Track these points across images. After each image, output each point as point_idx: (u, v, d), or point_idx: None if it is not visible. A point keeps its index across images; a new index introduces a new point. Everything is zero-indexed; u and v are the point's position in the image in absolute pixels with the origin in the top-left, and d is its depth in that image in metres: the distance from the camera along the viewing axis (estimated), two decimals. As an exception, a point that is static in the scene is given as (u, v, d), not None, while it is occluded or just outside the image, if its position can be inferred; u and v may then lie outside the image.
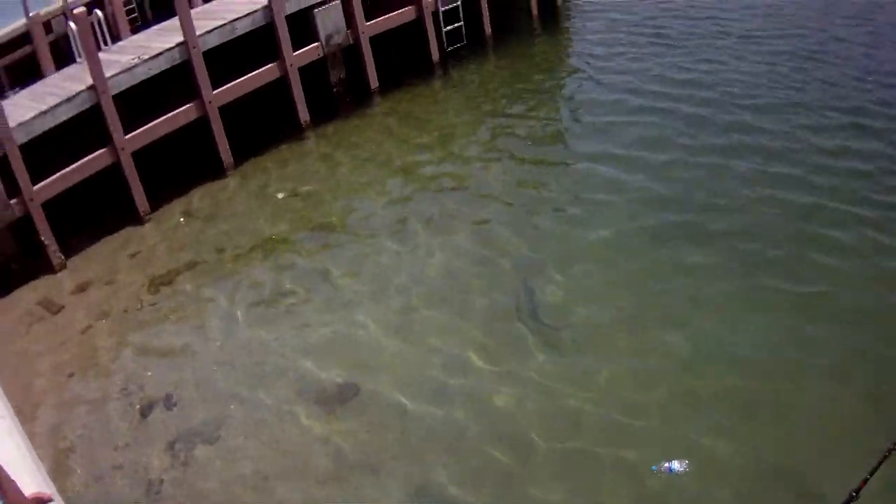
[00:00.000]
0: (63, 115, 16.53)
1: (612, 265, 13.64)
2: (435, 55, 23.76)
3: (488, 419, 10.88)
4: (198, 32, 18.37)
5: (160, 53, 17.96)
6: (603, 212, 15.27)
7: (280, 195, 17.63)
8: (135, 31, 24.28)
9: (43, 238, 16.11)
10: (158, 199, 17.84)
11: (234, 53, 19.13)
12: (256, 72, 19.39)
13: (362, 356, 12.36)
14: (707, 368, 11.22)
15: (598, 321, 12.35)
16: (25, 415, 12.07)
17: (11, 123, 15.66)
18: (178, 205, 17.88)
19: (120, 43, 21.06)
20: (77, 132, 16.75)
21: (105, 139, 17.00)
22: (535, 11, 27.21)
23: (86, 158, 16.81)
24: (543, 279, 13.47)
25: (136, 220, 17.36)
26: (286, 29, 19.77)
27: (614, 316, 12.40)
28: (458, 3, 24.05)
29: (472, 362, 11.89)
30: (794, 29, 23.92)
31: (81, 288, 15.55)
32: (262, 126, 20.19)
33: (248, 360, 12.71)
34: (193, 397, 12.16)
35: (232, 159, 19.02)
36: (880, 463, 6.07)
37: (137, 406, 12.17)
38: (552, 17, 27.66)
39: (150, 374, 12.81)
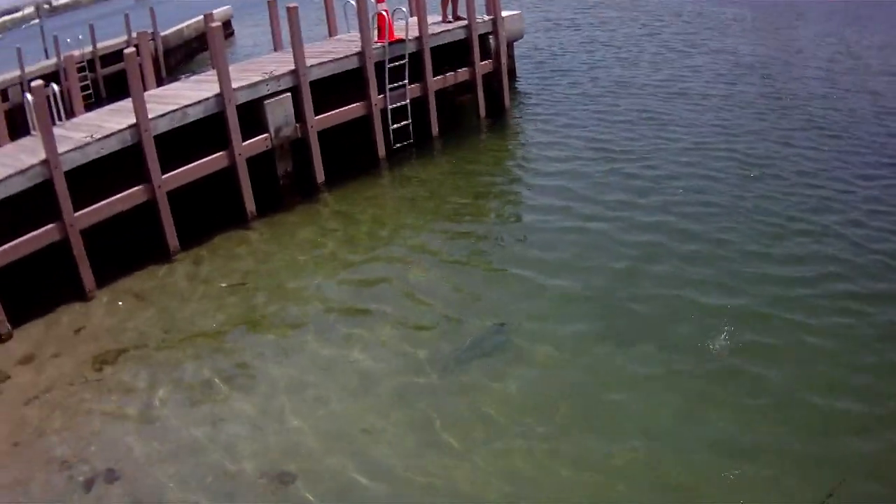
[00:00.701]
0: (15, 188, 16.67)
1: (553, 371, 13.94)
2: (381, 152, 24.27)
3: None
4: (150, 116, 18.58)
5: (112, 133, 18.18)
6: (541, 320, 15.55)
7: (223, 284, 17.79)
8: (88, 108, 24.52)
9: (-11, 308, 16.21)
10: (104, 277, 17.89)
11: (185, 139, 19.37)
12: (206, 159, 19.66)
13: (299, 449, 12.51)
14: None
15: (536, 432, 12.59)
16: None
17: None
18: (123, 285, 17.93)
19: (74, 119, 21.30)
20: (27, 205, 16.86)
21: (55, 215, 17.10)
22: (482, 112, 27.88)
23: (34, 233, 16.88)
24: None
25: (82, 296, 17.40)
26: (236, 118, 20.12)
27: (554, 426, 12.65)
28: (407, 101, 24.71)
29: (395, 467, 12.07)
30: (744, 135, 24.80)
31: (28, 359, 15.59)
32: (209, 213, 20.35)
33: (188, 441, 12.81)
34: (135, 473, 12.24)
35: (178, 244, 19.15)
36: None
37: (81, 479, 12.24)
38: (500, 118, 28.29)
39: (93, 448, 12.87)
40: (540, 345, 14.67)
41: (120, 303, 17.33)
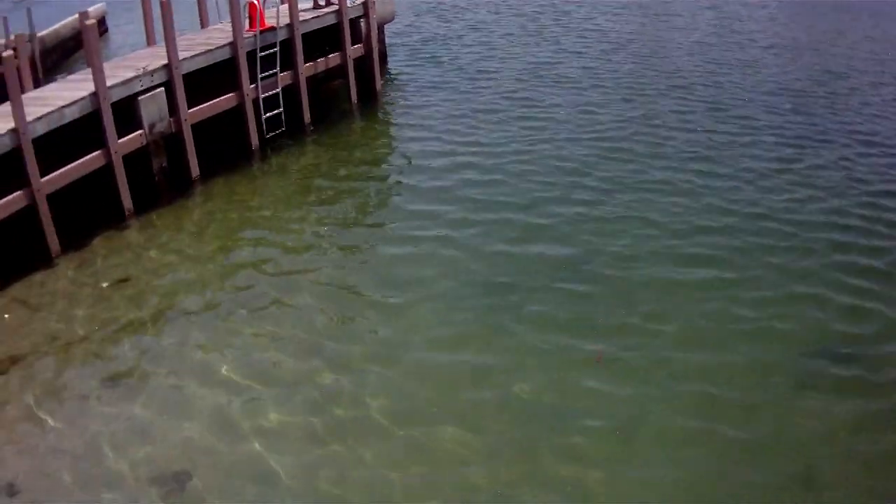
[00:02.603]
0: None
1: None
2: (255, 142, 24.95)
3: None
4: (28, 119, 18.70)
5: (-11, 140, 18.30)
6: (413, 304, 16.70)
7: (104, 284, 18.06)
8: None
9: None
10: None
11: (63, 140, 19.62)
12: (83, 159, 19.91)
13: (192, 449, 13.09)
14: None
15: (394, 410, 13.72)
16: None
17: None
18: (8, 293, 17.84)
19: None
20: None
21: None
22: (354, 97, 28.75)
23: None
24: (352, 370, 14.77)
25: (-35, 306, 17.43)
26: (111, 116, 20.43)
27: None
28: (279, 90, 25.40)
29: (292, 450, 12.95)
30: (612, 115, 26.72)
31: (-82, 376, 15.74)
32: (86, 213, 20.41)
33: (83, 449, 13.20)
34: (34, 484, 12.58)
35: (59, 247, 19.20)
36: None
37: (-21, 494, 12.49)
38: (371, 102, 29.25)
39: (-11, 462, 13.16)
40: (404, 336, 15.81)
41: (6, 314, 17.20)
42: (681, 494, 11.86)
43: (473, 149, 24.30)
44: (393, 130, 27.34)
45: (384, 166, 24.47)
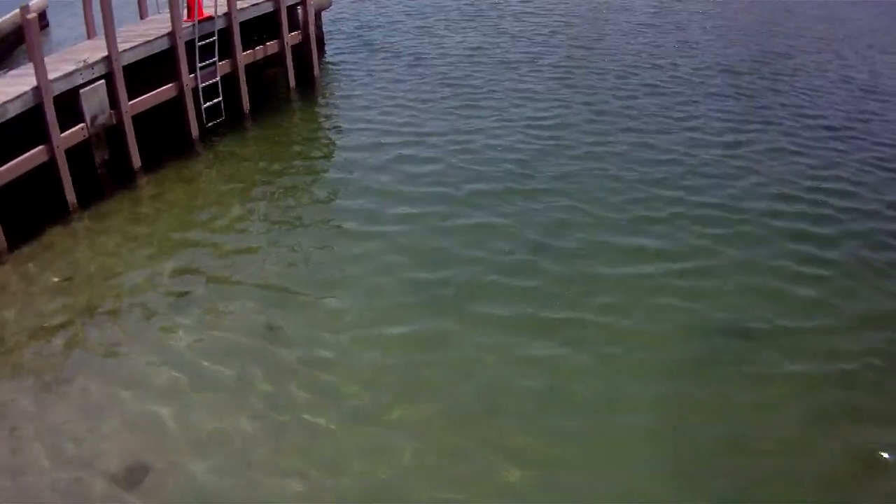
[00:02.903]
0: None
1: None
2: (195, 132, 25.23)
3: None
4: None
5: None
6: (354, 296, 17.05)
7: (54, 279, 18.18)
8: None
9: None
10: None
11: (7, 135, 19.66)
12: (25, 155, 20.00)
13: (151, 441, 13.31)
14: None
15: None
16: None
17: None
18: None
19: None
20: None
21: None
22: (292, 83, 29.20)
23: None
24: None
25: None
26: (53, 111, 20.55)
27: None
28: (218, 79, 25.74)
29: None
30: (554, 113, 26.85)
31: None
32: (30, 209, 20.47)
33: (41, 445, 13.32)
34: None
35: (6, 243, 19.26)
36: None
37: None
38: (309, 89, 29.70)
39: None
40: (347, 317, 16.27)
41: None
42: (630, 495, 12.11)
43: (410, 138, 24.78)
44: (330, 120, 27.62)
45: (321, 160, 24.75)
